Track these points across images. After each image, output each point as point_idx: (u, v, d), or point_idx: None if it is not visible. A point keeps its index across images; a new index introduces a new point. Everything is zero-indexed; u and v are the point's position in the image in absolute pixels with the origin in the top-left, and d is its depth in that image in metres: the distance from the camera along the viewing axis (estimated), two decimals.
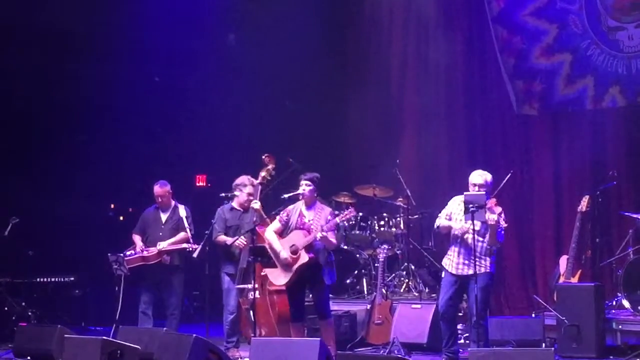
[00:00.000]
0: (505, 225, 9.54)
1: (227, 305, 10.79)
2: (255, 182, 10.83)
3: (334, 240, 9.75)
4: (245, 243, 10.41)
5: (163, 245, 11.26)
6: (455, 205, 9.89)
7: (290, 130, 14.52)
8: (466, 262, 9.65)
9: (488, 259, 9.64)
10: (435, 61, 14.07)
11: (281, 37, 14.21)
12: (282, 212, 10.03)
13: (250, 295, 10.45)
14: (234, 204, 10.91)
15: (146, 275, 11.39)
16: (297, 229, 9.79)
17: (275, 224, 9.98)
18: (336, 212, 10.04)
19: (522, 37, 13.51)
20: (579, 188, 12.71)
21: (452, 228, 9.76)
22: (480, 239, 9.61)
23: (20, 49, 13.51)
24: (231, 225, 10.80)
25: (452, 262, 9.78)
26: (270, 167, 10.76)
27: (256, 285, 10.34)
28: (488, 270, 9.63)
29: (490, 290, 9.97)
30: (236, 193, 10.86)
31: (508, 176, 10.13)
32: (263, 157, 10.82)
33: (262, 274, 10.41)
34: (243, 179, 10.89)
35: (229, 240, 10.61)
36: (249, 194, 10.78)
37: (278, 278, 9.88)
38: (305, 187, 9.84)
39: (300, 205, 9.95)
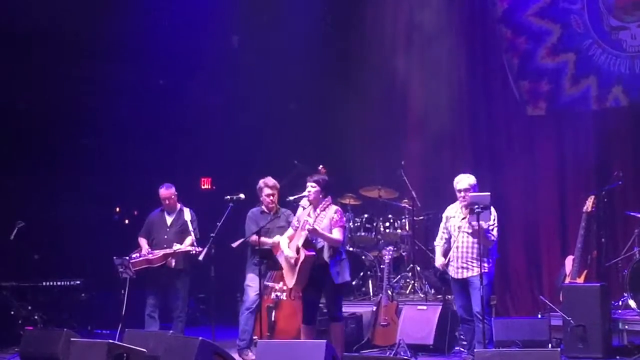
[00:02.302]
0: (492, 226, 9.72)
1: (245, 301, 10.85)
2: (271, 182, 10.88)
3: (332, 236, 9.57)
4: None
5: (178, 247, 11.23)
6: (449, 212, 10.14)
7: (295, 132, 14.55)
8: (464, 265, 9.89)
9: (485, 259, 9.71)
10: (439, 62, 14.05)
11: (284, 40, 14.22)
12: (294, 219, 10.06)
13: (275, 295, 10.52)
14: (264, 207, 10.94)
15: (152, 279, 11.40)
16: (301, 230, 9.78)
17: (289, 231, 9.98)
18: (341, 210, 9.94)
19: (527, 37, 13.52)
20: (584, 188, 12.70)
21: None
22: (475, 240, 9.73)
23: (25, 53, 13.52)
24: (260, 228, 10.70)
25: (453, 267, 10.01)
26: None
27: (284, 287, 10.39)
28: (485, 271, 9.72)
29: (490, 290, 10.04)
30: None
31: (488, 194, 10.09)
32: (319, 167, 10.94)
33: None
34: (259, 183, 10.92)
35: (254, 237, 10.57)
36: (267, 195, 10.82)
37: (289, 280, 9.88)
38: (310, 188, 9.83)
39: (309, 208, 9.96)
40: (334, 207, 9.82)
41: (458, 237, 9.92)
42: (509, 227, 13.27)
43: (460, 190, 9.91)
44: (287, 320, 10.51)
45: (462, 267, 9.88)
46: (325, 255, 9.60)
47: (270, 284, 10.69)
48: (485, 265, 9.73)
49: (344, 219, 9.97)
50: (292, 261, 9.69)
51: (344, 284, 9.86)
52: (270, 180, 10.90)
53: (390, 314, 11.46)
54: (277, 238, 10.31)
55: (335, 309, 9.84)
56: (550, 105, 13.44)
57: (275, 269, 10.44)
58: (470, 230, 9.73)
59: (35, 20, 13.13)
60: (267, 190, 10.84)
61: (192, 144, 15.30)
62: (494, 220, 9.79)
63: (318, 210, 9.69)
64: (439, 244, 10.22)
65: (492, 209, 9.79)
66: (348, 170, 14.23)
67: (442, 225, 10.23)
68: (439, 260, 10.14)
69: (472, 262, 9.80)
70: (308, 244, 9.60)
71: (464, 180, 9.96)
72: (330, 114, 14.70)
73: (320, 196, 9.82)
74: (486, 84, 14.06)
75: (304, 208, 9.84)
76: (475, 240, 9.71)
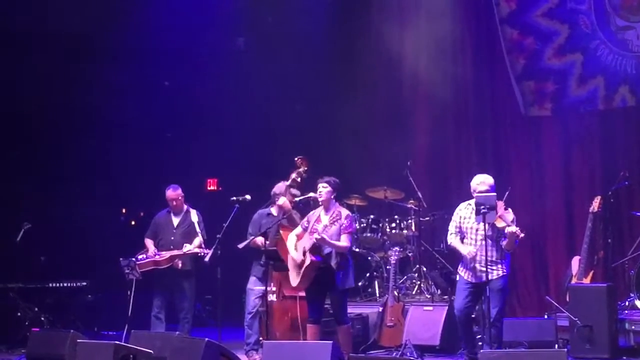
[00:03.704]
0: (523, 235, 9.54)
1: (247, 306, 10.83)
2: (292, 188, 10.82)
3: (339, 243, 9.58)
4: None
5: (188, 247, 11.23)
6: (463, 212, 9.88)
7: (301, 133, 14.54)
8: (483, 269, 9.58)
9: (502, 262, 9.64)
10: (444, 62, 14.04)
11: (289, 40, 14.23)
12: (304, 219, 10.05)
13: (270, 298, 10.48)
14: (273, 210, 10.88)
15: (158, 280, 11.42)
16: (310, 233, 9.76)
17: (298, 229, 9.96)
18: (352, 215, 9.92)
19: (535, 37, 13.50)
20: (590, 189, 12.70)
21: (462, 253, 9.79)
22: (492, 243, 9.58)
23: (31, 54, 13.56)
24: (265, 230, 10.67)
25: (468, 270, 9.76)
26: (301, 169, 10.70)
27: (273, 289, 10.37)
28: (504, 273, 9.64)
29: (507, 292, 9.95)
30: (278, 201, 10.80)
31: (507, 193, 9.95)
32: (296, 159, 10.77)
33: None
34: (280, 187, 10.81)
35: (258, 240, 10.55)
36: (289, 200, 10.74)
37: (293, 280, 9.87)
38: (322, 189, 9.82)
39: (320, 209, 9.95)
40: (344, 212, 9.86)
41: (476, 240, 9.69)
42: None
43: (481, 193, 9.58)
44: (278, 322, 10.47)
45: (481, 271, 9.59)
46: (333, 261, 9.60)
47: (262, 288, 10.61)
48: (504, 267, 9.66)
49: (354, 225, 9.97)
50: (298, 262, 9.71)
51: (349, 289, 9.89)
52: (296, 191, 10.74)
53: (396, 314, 11.44)
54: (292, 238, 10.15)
55: (342, 313, 9.86)
56: (556, 106, 13.43)
57: (281, 270, 10.42)
58: (490, 233, 9.51)
59: (42, 23, 13.16)
60: (288, 197, 10.70)
61: (198, 145, 15.31)
62: (520, 231, 9.56)
63: (325, 215, 9.71)
64: (454, 240, 9.85)
65: (510, 211, 9.72)
66: (354, 171, 14.22)
67: (454, 224, 9.88)
68: (467, 249, 9.65)
69: (492, 266, 9.54)
70: (315, 249, 9.60)
71: (484, 182, 9.68)
72: (335, 115, 14.70)
73: (332, 197, 9.83)
74: (492, 84, 14.05)
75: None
76: (493, 242, 9.56)
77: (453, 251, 10.29)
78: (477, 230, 9.69)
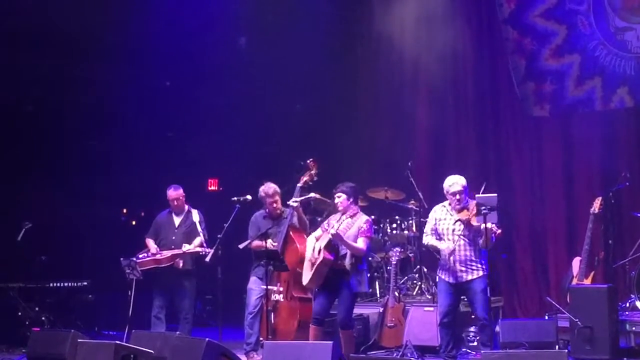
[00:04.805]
0: (500, 231, 9.56)
1: (247, 306, 10.81)
2: (271, 189, 10.78)
3: (355, 245, 9.62)
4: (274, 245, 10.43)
5: (187, 247, 11.23)
6: (438, 214, 9.93)
7: (302, 133, 14.55)
8: (462, 269, 9.70)
9: (481, 261, 9.68)
10: (446, 63, 14.05)
11: (291, 40, 14.21)
12: (324, 222, 10.10)
13: (273, 297, 10.47)
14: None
15: (159, 280, 11.41)
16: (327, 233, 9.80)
17: (318, 232, 10.01)
18: (371, 221, 9.99)
19: (532, 38, 13.51)
20: (591, 189, 12.69)
21: (440, 249, 9.85)
22: (469, 242, 9.64)
23: (32, 54, 13.55)
24: (266, 231, 10.65)
25: (449, 271, 9.78)
26: (313, 172, 10.72)
27: (280, 289, 10.37)
28: (485, 273, 9.67)
29: (489, 291, 9.96)
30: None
31: (482, 187, 9.97)
32: (308, 161, 10.80)
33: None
34: (260, 192, 10.79)
35: (256, 242, 10.56)
36: (270, 203, 10.72)
37: (305, 277, 9.89)
38: (337, 199, 9.87)
39: (338, 214, 9.98)
40: (364, 217, 9.88)
41: (453, 241, 9.71)
42: (516, 229, 13.30)
43: (455, 194, 9.71)
44: (285, 322, 10.44)
45: (461, 271, 9.69)
46: (347, 262, 9.64)
47: (269, 287, 10.62)
48: (483, 267, 9.67)
49: (372, 230, 10.00)
50: (312, 261, 9.73)
51: (360, 294, 9.90)
52: (269, 189, 10.74)
53: (397, 315, 11.45)
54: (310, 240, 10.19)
55: (348, 317, 9.86)
56: (553, 107, 13.43)
57: (282, 270, 10.41)
58: (466, 232, 9.58)
59: (42, 22, 13.15)
60: (269, 200, 10.75)
61: (199, 145, 15.31)
62: (497, 227, 9.61)
63: (345, 216, 9.75)
64: (430, 239, 9.92)
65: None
66: (354, 171, 14.22)
67: (429, 226, 9.98)
68: (445, 245, 9.71)
69: (471, 265, 9.65)
70: (331, 247, 9.65)
71: (457, 183, 9.76)
72: (337, 115, 14.70)
73: (350, 203, 9.85)
74: (493, 85, 14.05)
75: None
76: (470, 242, 9.62)
77: (430, 251, 10.29)
78: (453, 230, 9.75)
